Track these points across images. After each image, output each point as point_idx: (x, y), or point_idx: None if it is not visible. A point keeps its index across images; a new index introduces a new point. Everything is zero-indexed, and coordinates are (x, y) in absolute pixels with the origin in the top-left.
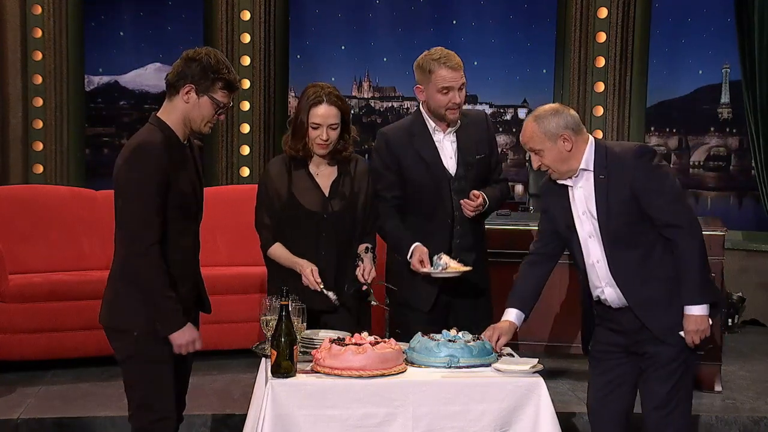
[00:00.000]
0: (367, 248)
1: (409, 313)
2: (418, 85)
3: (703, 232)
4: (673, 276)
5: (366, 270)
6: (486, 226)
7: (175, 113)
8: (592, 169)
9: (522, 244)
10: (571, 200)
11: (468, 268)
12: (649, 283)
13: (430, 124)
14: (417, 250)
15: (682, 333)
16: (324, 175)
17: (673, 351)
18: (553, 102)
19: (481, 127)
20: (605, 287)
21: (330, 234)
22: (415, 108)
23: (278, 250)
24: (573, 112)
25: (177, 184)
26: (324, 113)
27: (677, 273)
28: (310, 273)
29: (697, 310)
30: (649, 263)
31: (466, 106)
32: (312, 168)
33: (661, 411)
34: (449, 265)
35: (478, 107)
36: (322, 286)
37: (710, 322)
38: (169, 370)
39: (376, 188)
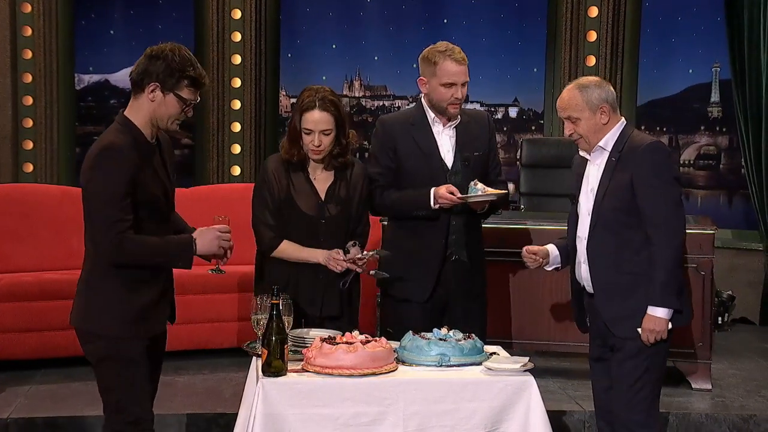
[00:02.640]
0: (354, 243)
1: (405, 307)
2: (421, 77)
3: (693, 231)
4: (644, 274)
5: (353, 254)
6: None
7: (141, 112)
8: (609, 149)
9: (516, 243)
10: (585, 174)
11: (504, 192)
12: (617, 271)
13: (430, 116)
14: (439, 188)
15: (639, 329)
16: (321, 179)
17: (634, 348)
18: (544, 99)
19: (482, 125)
20: (582, 263)
21: (328, 238)
22: (416, 102)
23: (287, 247)
24: (612, 88)
25: (146, 186)
26: (316, 119)
27: (649, 273)
28: (338, 257)
29: (657, 312)
30: (625, 253)
31: (467, 106)
32: (310, 171)
33: (624, 408)
34: (486, 190)
35: (469, 106)
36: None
37: (669, 326)
38: (143, 370)
39: (370, 172)
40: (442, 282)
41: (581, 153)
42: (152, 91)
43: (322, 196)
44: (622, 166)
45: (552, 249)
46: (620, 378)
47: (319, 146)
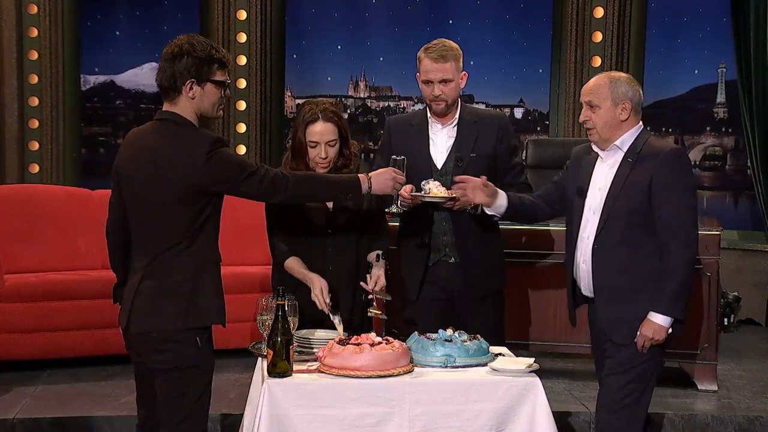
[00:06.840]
0: (378, 255)
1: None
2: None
3: (699, 232)
4: (650, 280)
5: (374, 279)
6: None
7: (186, 112)
8: (624, 150)
9: (517, 244)
10: (594, 171)
11: (453, 196)
12: (622, 274)
13: (429, 115)
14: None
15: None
16: None
17: (627, 355)
18: (550, 100)
19: (490, 127)
20: (581, 264)
21: (336, 250)
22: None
23: (292, 263)
24: (641, 91)
25: None
26: (320, 130)
27: (656, 279)
28: (320, 292)
29: (658, 319)
30: (632, 256)
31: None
32: None
33: (606, 410)
34: (432, 191)
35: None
36: (329, 307)
37: (668, 333)
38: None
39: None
40: (435, 283)
41: (594, 147)
42: (190, 89)
43: (330, 207)
44: (641, 167)
45: (502, 196)
46: (609, 383)
47: (326, 158)
